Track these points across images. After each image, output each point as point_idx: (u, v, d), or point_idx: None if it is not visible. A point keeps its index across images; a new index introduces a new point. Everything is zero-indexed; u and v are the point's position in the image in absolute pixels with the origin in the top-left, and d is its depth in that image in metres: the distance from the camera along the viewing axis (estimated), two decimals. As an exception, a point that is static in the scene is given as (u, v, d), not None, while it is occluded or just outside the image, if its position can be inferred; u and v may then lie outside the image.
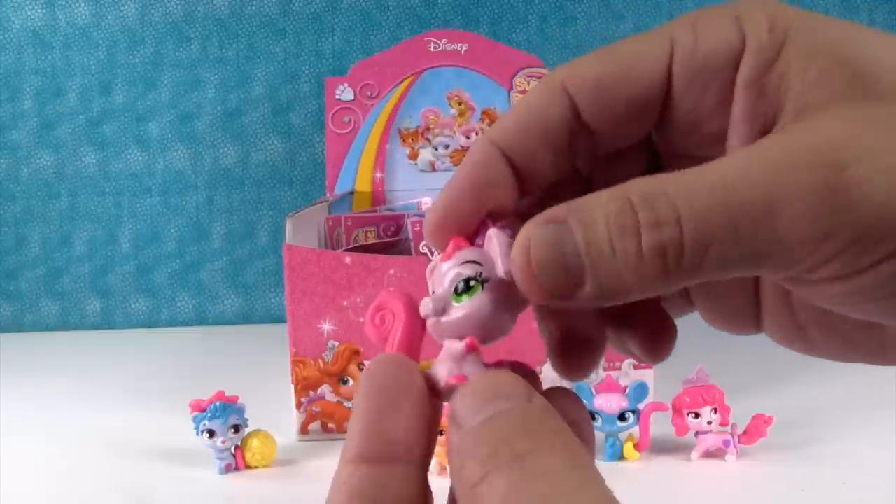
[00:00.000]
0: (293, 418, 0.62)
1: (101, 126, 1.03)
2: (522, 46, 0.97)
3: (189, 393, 0.58)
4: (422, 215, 0.81)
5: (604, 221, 0.17)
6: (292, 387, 0.61)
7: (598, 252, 0.17)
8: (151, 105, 1.03)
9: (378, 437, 0.17)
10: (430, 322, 0.19)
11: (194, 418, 0.56)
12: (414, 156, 0.88)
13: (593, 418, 0.55)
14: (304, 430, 0.62)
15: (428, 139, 0.87)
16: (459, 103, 0.87)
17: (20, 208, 1.04)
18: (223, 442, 0.56)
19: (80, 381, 0.80)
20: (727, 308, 0.22)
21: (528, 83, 0.85)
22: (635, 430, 0.56)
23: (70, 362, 0.90)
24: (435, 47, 0.85)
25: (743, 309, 0.21)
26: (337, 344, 0.61)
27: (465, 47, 0.85)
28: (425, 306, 0.19)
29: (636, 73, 0.19)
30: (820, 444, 0.58)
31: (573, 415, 0.19)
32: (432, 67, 0.86)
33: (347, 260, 0.60)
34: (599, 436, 0.55)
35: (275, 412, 0.63)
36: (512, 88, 0.85)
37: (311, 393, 0.61)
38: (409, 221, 0.81)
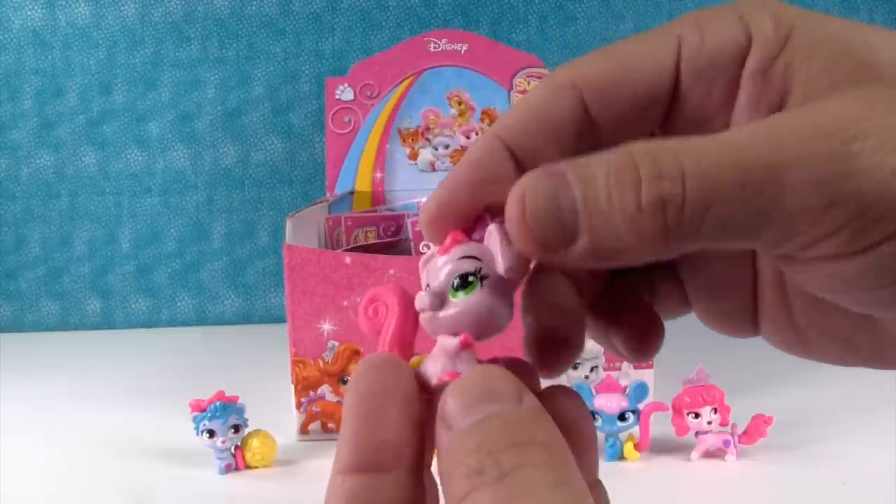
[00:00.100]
0: (293, 418, 0.62)
1: (101, 126, 1.03)
2: (522, 46, 0.97)
3: (189, 393, 0.58)
4: (422, 215, 0.81)
5: (604, 176, 0.16)
6: (292, 387, 0.61)
7: (595, 205, 0.16)
8: (151, 105, 1.03)
9: (366, 445, 0.17)
10: (424, 316, 0.19)
11: (194, 418, 0.56)
12: (414, 156, 0.88)
13: (593, 418, 0.55)
14: (304, 430, 0.62)
15: (428, 139, 0.87)
16: (459, 103, 0.87)
17: (20, 208, 1.04)
18: (223, 442, 0.56)
19: (80, 381, 0.80)
20: (724, 309, 0.22)
21: (528, 83, 0.85)
22: (635, 430, 0.56)
23: (70, 362, 0.90)
24: (435, 47, 0.85)
25: (740, 310, 0.21)
26: (337, 344, 0.61)
27: (465, 47, 0.85)
28: (421, 300, 0.19)
29: (644, 69, 0.19)
30: (820, 444, 0.58)
31: (573, 412, 0.19)
32: (432, 67, 0.86)
33: (347, 260, 0.60)
34: (599, 436, 0.55)
35: (275, 412, 0.63)
36: (512, 88, 0.85)
37: (311, 393, 0.61)
38: (409, 221, 0.81)
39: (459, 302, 0.19)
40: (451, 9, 1.02)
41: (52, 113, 1.03)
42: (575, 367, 0.61)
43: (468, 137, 0.87)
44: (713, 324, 0.22)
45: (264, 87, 1.03)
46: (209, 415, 0.55)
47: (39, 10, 1.01)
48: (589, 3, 1.03)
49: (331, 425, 0.62)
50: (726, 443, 0.55)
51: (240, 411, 0.57)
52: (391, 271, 0.60)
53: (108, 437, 0.65)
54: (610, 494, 0.20)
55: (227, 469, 0.57)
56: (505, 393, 0.17)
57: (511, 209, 0.17)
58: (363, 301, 0.20)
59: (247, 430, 0.57)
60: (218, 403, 0.56)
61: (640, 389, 0.55)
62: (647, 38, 0.19)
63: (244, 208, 1.05)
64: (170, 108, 1.03)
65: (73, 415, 0.71)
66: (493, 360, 0.19)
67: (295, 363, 0.61)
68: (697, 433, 0.56)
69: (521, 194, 0.17)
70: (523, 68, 0.85)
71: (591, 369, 0.61)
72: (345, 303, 0.60)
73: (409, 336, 0.20)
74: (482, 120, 0.87)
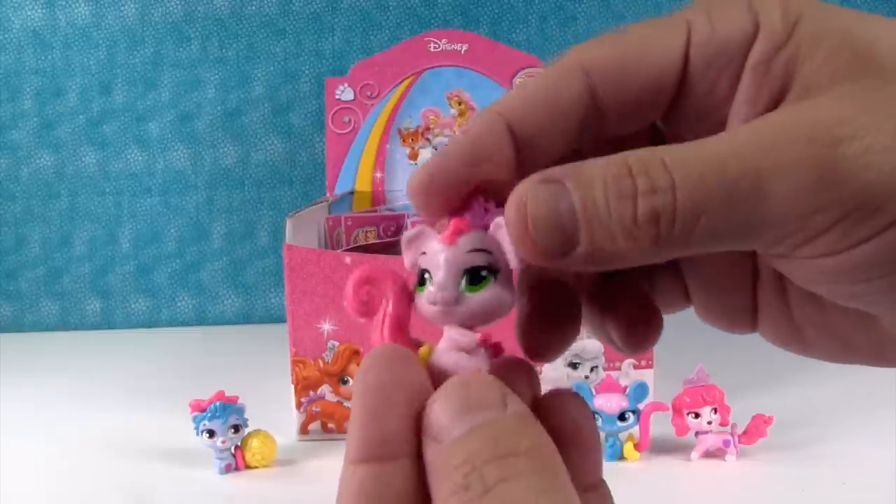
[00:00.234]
0: (293, 418, 0.62)
1: (101, 126, 1.03)
2: (522, 46, 0.97)
3: (189, 393, 0.58)
4: (422, 215, 0.81)
5: (601, 185, 0.17)
6: (292, 387, 0.61)
7: (594, 214, 0.17)
8: (151, 105, 1.03)
9: (375, 435, 0.17)
10: (435, 310, 0.19)
11: (194, 418, 0.56)
12: (414, 156, 0.88)
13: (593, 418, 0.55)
14: (304, 430, 0.62)
15: (428, 139, 0.87)
16: (459, 103, 0.87)
17: (20, 208, 1.04)
18: (223, 442, 0.56)
19: (80, 381, 0.80)
20: (723, 304, 0.22)
21: (528, 83, 0.85)
22: (635, 430, 0.56)
23: (70, 362, 0.90)
24: (435, 47, 0.85)
25: (739, 306, 0.21)
26: (337, 344, 0.61)
27: (465, 47, 0.85)
28: (434, 296, 0.19)
29: (654, 55, 0.19)
30: (820, 444, 0.58)
31: (575, 415, 0.19)
32: (432, 67, 0.86)
33: (347, 260, 0.60)
34: (600, 436, 0.55)
35: (275, 412, 0.63)
36: (512, 88, 0.85)
37: (311, 393, 0.61)
38: (408, 221, 0.81)
39: (475, 298, 0.18)
40: (451, 9, 1.02)
41: (52, 113, 1.03)
42: (575, 367, 0.61)
43: (468, 137, 0.87)
44: (711, 319, 0.22)
45: (264, 87, 1.03)
46: (209, 415, 0.55)
47: (39, 10, 1.01)
48: (589, 3, 1.03)
49: (331, 425, 0.62)
50: (726, 443, 0.55)
51: (240, 411, 0.57)
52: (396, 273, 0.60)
53: (108, 437, 0.65)
54: (610, 491, 0.20)
55: (227, 469, 0.57)
56: (489, 400, 0.17)
57: (511, 215, 0.17)
58: (352, 282, 0.20)
59: (247, 430, 0.57)
60: (218, 403, 0.56)
61: (640, 389, 0.55)
62: (658, 25, 0.19)
63: (244, 208, 1.05)
64: (170, 108, 1.03)
65: (73, 415, 0.71)
66: (496, 352, 0.19)
67: (295, 363, 0.61)
68: (697, 433, 0.56)
69: (522, 201, 0.17)
70: (523, 68, 0.85)
71: (591, 369, 0.61)
72: (345, 303, 0.60)
73: (405, 323, 0.19)
74: (482, 120, 0.86)
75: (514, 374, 0.19)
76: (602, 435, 0.56)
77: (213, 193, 1.04)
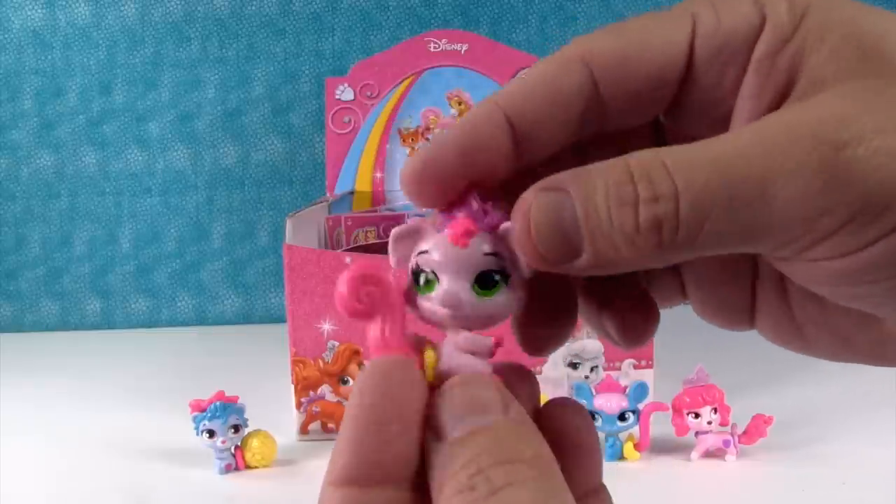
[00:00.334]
0: (293, 418, 0.62)
1: (101, 126, 1.03)
2: (522, 46, 0.97)
3: (189, 393, 0.58)
4: (421, 215, 0.81)
5: (603, 192, 0.17)
6: (292, 387, 0.61)
7: (597, 222, 0.17)
8: (151, 105, 1.03)
9: (361, 460, 0.16)
10: (445, 313, 0.18)
11: (194, 418, 0.56)
12: (414, 156, 0.88)
13: (593, 418, 0.55)
14: (304, 430, 0.62)
15: (428, 139, 0.87)
16: (459, 103, 0.87)
17: (20, 208, 1.04)
18: (223, 442, 0.56)
19: (80, 381, 0.80)
20: (721, 300, 0.21)
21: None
22: (635, 430, 0.56)
23: (70, 362, 0.90)
24: (435, 47, 0.85)
25: (737, 302, 0.21)
26: (337, 344, 0.61)
27: (465, 47, 0.85)
28: (444, 300, 0.18)
29: (658, 47, 0.18)
30: (820, 444, 0.58)
31: (576, 422, 0.19)
32: (432, 67, 0.86)
33: (347, 260, 0.60)
34: (599, 436, 0.55)
35: (275, 412, 0.63)
36: (512, 88, 0.85)
37: (311, 393, 0.61)
38: (409, 221, 0.81)
39: (487, 303, 0.18)
40: (451, 9, 1.02)
41: (52, 113, 1.03)
42: (575, 367, 0.61)
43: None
44: (709, 315, 0.22)
45: (264, 87, 1.03)
46: (209, 415, 0.55)
47: (39, 10, 1.01)
48: (589, 3, 1.03)
49: (331, 425, 0.62)
50: (726, 443, 0.55)
51: (240, 411, 0.57)
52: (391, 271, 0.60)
53: (108, 437, 0.65)
54: (610, 494, 0.20)
55: (227, 469, 0.57)
56: (492, 403, 0.17)
57: (516, 224, 0.18)
58: (348, 281, 0.18)
59: (247, 430, 0.57)
60: (218, 403, 0.56)
61: (640, 389, 0.55)
62: (662, 17, 0.19)
63: (244, 208, 1.05)
64: (170, 108, 1.03)
65: (73, 415, 0.71)
66: (496, 348, 0.19)
67: (295, 363, 0.61)
68: (697, 433, 0.56)
69: (526, 209, 0.17)
70: (523, 68, 0.85)
71: (591, 369, 0.61)
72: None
73: (406, 326, 0.19)
74: (482, 120, 0.87)
75: (515, 380, 0.19)
76: (602, 435, 0.56)
77: (213, 193, 1.04)
